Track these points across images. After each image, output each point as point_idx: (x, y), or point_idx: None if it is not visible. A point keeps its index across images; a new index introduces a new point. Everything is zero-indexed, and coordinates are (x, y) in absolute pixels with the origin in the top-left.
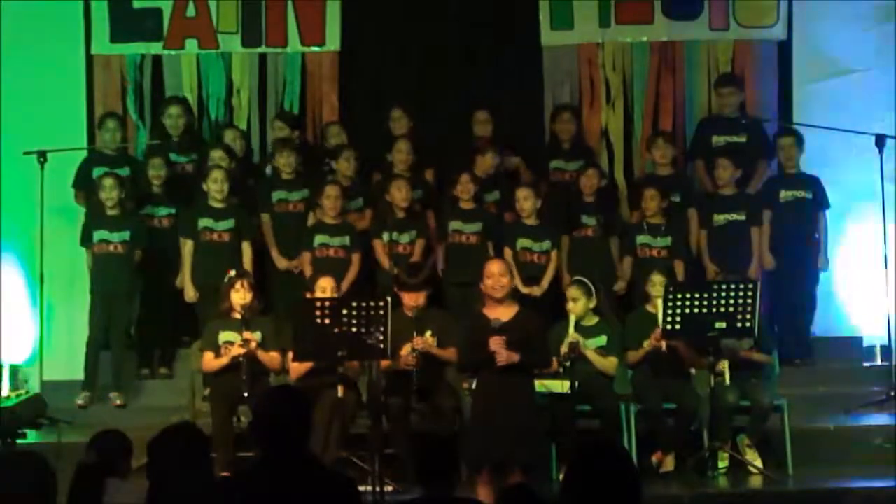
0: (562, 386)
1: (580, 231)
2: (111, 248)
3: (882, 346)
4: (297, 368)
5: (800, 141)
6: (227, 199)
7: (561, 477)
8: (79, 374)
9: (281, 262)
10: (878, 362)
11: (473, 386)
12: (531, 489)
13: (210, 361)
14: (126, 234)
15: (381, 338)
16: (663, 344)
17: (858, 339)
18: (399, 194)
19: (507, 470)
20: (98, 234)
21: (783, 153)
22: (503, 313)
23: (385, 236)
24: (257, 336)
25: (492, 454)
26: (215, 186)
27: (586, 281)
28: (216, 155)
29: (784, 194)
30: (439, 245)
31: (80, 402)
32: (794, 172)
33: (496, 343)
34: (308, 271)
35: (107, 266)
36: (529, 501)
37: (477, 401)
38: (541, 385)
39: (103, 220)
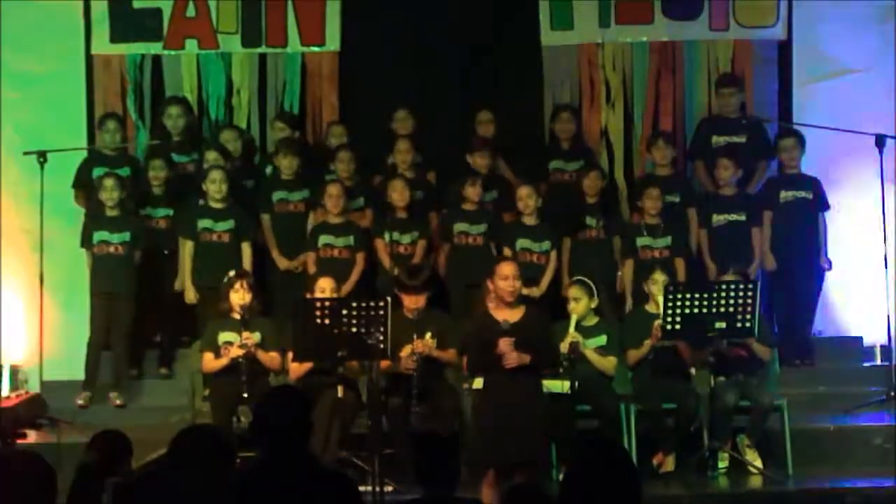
0: (562, 386)
1: (584, 233)
2: (111, 248)
3: (882, 347)
4: (297, 369)
5: (802, 142)
6: (227, 199)
7: (561, 477)
8: (79, 375)
9: (282, 263)
10: (878, 362)
11: (475, 386)
12: (540, 488)
13: (209, 362)
14: (126, 235)
15: (381, 338)
16: None
17: (858, 340)
18: (396, 195)
19: (512, 470)
20: (98, 235)
21: (785, 154)
22: (511, 314)
23: (387, 236)
24: (256, 337)
25: (499, 454)
26: (214, 187)
27: (588, 281)
28: (210, 157)
29: (784, 195)
30: (441, 246)
31: (80, 402)
32: (795, 173)
33: (506, 344)
34: (312, 271)
35: (107, 267)
36: (539, 501)
37: (484, 401)
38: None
39: (103, 221)
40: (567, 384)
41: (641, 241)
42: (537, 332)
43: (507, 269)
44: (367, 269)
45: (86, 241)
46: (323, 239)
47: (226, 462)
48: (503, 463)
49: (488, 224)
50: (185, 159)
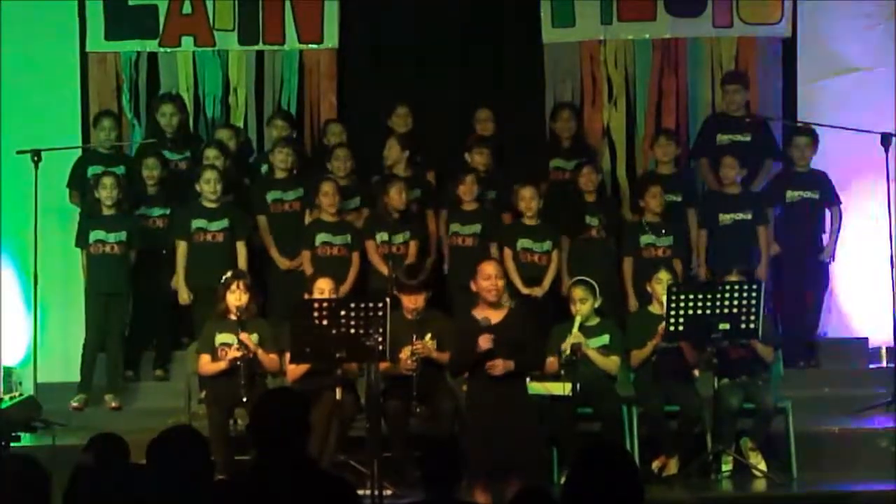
0: (563, 388)
1: (585, 232)
2: (107, 248)
3: (887, 349)
4: (295, 370)
5: (815, 141)
6: (221, 198)
7: (562, 480)
8: (73, 377)
9: (283, 263)
10: (884, 364)
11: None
12: (545, 492)
13: (207, 365)
14: (122, 235)
15: (380, 339)
16: None
17: (863, 341)
18: (394, 200)
19: (506, 475)
20: (94, 235)
21: (797, 152)
22: (494, 314)
23: (378, 237)
24: (254, 338)
25: (489, 460)
26: (208, 187)
27: (590, 281)
28: (211, 154)
29: (791, 195)
30: (443, 246)
31: (74, 404)
32: (803, 171)
33: (485, 341)
34: (309, 270)
35: (103, 266)
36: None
37: (470, 407)
38: (542, 387)
39: (100, 220)
40: (568, 386)
41: (645, 240)
42: (520, 333)
43: (488, 268)
44: (359, 270)
45: (81, 241)
46: (320, 237)
47: (202, 456)
48: (495, 468)
49: (483, 225)
50: (178, 157)
